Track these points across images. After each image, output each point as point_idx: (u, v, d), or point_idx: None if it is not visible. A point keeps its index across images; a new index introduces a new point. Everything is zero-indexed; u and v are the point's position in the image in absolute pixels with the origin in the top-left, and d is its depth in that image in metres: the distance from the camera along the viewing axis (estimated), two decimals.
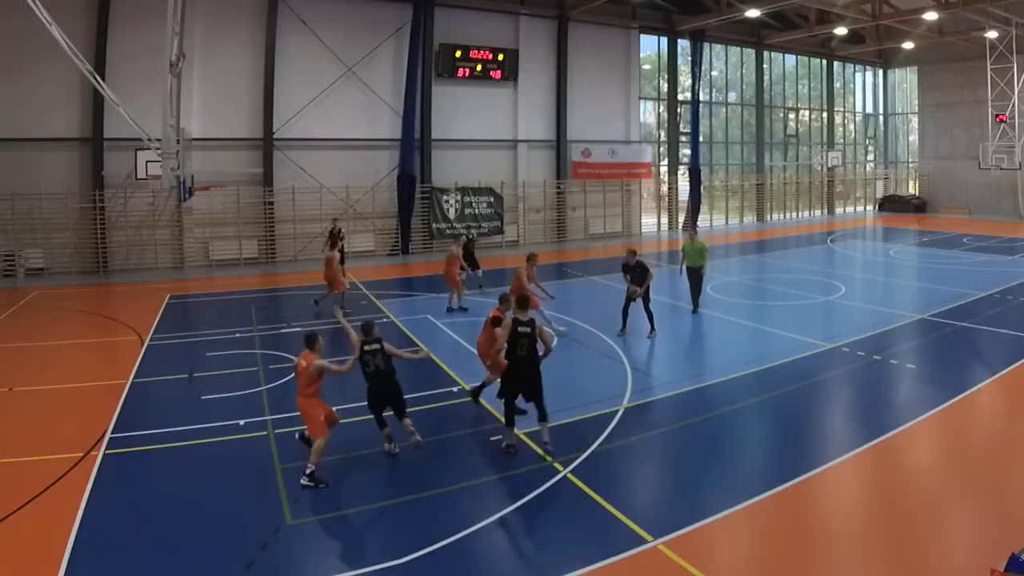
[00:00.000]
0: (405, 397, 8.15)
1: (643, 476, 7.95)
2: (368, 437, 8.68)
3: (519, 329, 8.05)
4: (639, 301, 13.21)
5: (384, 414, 8.10)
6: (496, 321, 9.28)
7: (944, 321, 14.28)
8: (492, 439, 8.58)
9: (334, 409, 8.07)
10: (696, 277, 15.14)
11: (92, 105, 20.48)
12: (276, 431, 8.84)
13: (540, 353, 8.18)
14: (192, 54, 19.61)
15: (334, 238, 18.22)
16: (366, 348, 7.92)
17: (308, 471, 7.40)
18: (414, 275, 21.37)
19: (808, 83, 38.64)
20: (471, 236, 19.24)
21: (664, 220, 32.86)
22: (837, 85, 39.31)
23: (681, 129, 32.65)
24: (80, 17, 20.04)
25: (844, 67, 39.79)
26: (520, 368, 8.09)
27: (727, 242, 28.96)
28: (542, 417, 8.19)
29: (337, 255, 15.92)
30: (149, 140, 13.43)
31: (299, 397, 7.78)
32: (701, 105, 32.26)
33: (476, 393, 9.71)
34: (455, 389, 10.38)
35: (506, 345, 8.25)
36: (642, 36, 30.89)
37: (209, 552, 6.20)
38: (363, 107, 24.60)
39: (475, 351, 10.33)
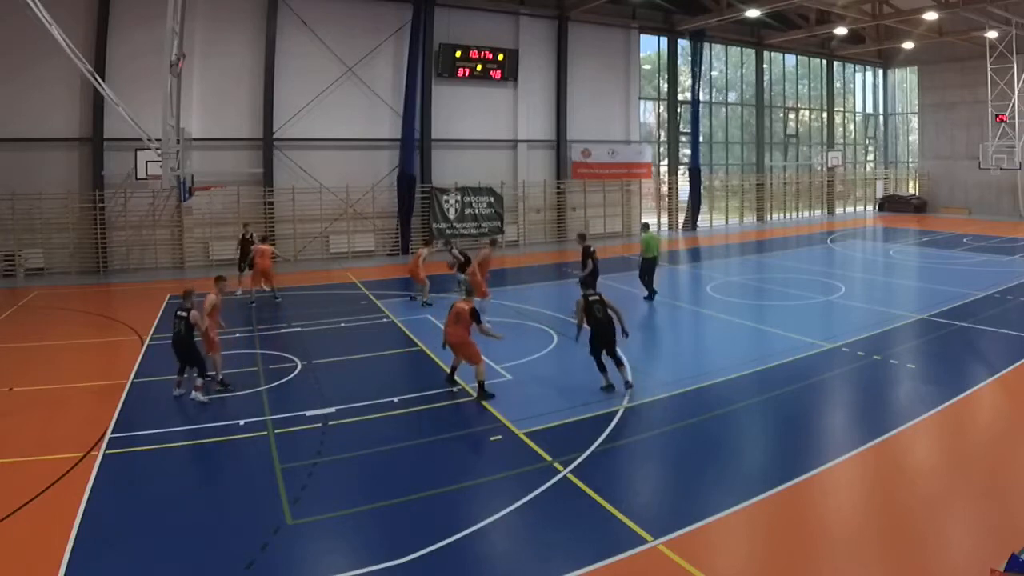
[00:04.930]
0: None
1: (643, 476, 7.94)
2: (368, 436, 8.68)
3: (590, 299, 10.21)
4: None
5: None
6: (473, 313, 10.04)
7: (944, 321, 14.27)
8: (492, 439, 8.60)
9: None
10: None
11: (92, 105, 20.49)
12: (276, 431, 8.84)
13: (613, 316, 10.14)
14: (192, 54, 19.61)
15: (247, 242, 17.95)
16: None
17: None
18: None
19: (808, 83, 38.63)
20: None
21: (664, 220, 32.86)
22: (837, 85, 39.31)
23: (681, 129, 32.65)
24: (80, 17, 20.06)
25: (844, 67, 39.78)
26: (602, 328, 10.05)
27: (727, 242, 28.95)
28: (619, 364, 10.22)
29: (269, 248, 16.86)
30: (149, 140, 13.44)
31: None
32: (701, 105, 32.24)
33: (481, 392, 9.93)
34: (455, 389, 10.38)
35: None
36: (642, 36, 30.90)
37: (209, 552, 6.20)
38: (363, 107, 24.61)
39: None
